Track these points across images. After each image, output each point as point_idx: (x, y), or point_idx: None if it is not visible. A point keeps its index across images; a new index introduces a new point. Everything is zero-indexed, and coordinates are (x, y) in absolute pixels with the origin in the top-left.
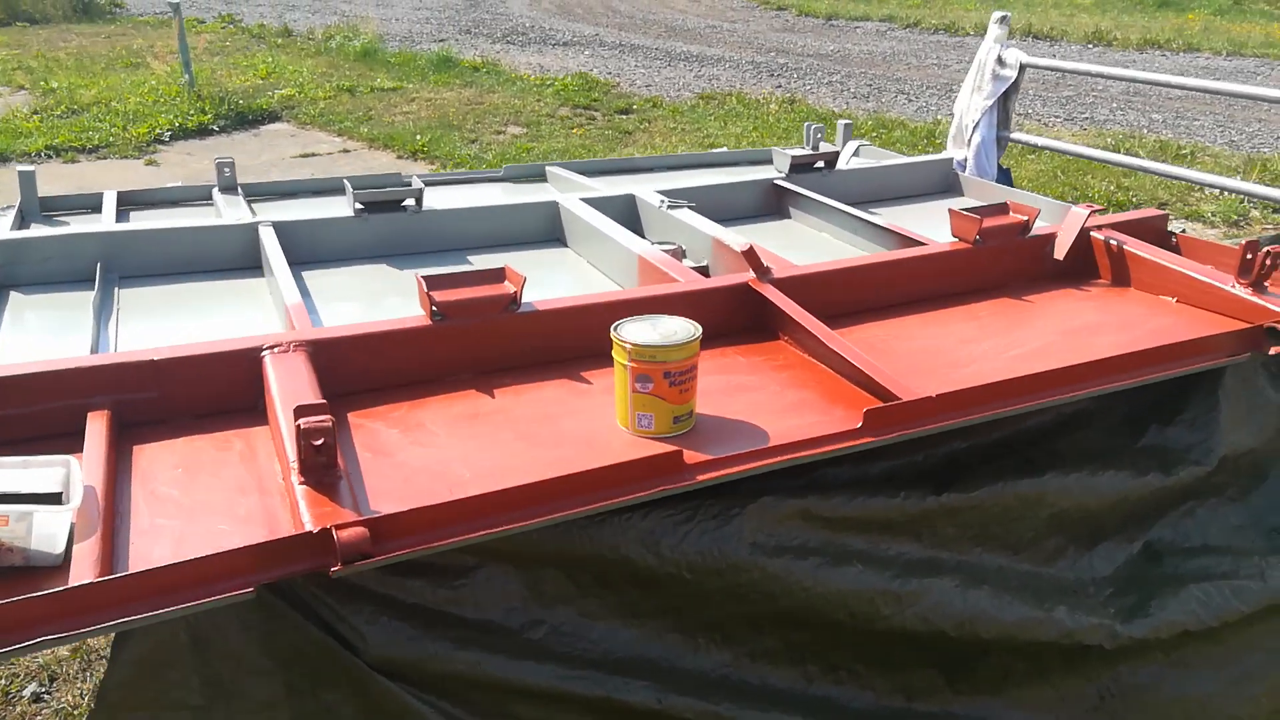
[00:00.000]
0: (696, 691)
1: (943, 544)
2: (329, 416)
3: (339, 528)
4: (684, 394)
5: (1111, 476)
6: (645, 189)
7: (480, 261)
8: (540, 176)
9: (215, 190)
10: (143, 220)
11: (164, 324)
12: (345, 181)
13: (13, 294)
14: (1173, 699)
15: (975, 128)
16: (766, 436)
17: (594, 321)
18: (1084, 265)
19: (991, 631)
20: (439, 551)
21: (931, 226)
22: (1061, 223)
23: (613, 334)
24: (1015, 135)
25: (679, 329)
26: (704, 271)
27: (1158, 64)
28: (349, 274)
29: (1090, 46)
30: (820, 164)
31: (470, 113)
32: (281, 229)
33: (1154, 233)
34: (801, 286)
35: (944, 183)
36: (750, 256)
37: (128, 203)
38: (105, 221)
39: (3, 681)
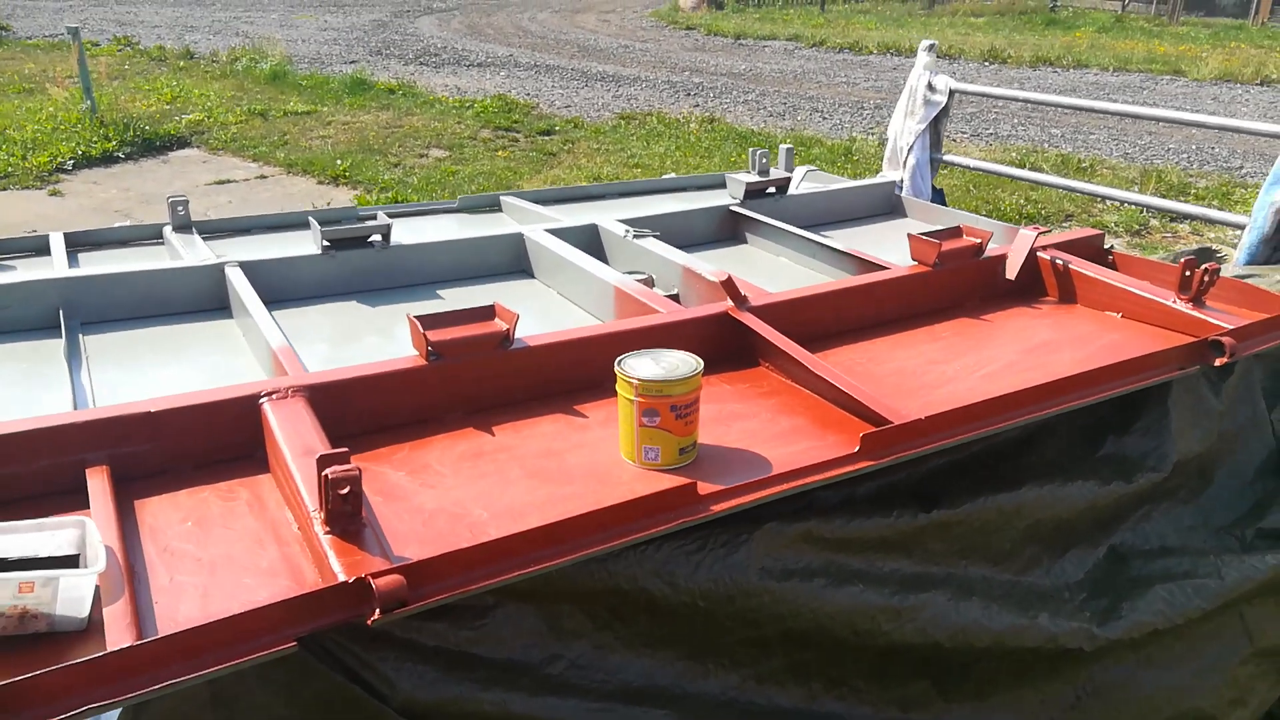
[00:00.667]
0: (708, 716)
1: (932, 559)
2: (355, 466)
3: (375, 576)
4: (689, 426)
5: (1080, 486)
6: (605, 218)
7: (450, 295)
8: (495, 206)
9: (168, 229)
10: (97, 263)
11: (137, 371)
12: (310, 218)
13: None
14: (1143, 695)
15: (910, 150)
16: (769, 464)
17: (587, 355)
18: (1033, 284)
19: (984, 640)
20: (471, 595)
21: (880, 247)
22: (1011, 244)
23: (617, 369)
24: (946, 156)
25: (681, 362)
26: (675, 300)
27: (1050, 80)
28: (320, 313)
29: (987, 64)
30: (772, 189)
31: (390, 136)
32: (250, 269)
33: (1093, 251)
34: (778, 313)
35: (887, 204)
36: (729, 286)
37: (76, 244)
38: (58, 266)
39: None
